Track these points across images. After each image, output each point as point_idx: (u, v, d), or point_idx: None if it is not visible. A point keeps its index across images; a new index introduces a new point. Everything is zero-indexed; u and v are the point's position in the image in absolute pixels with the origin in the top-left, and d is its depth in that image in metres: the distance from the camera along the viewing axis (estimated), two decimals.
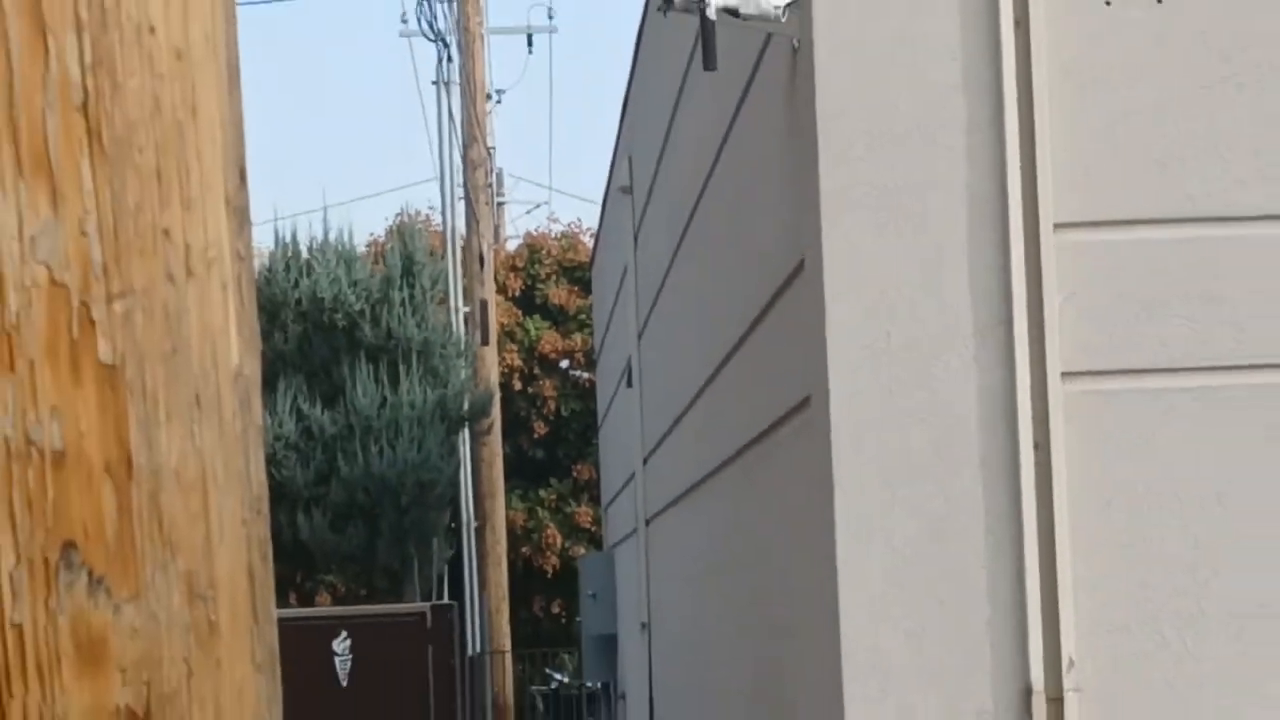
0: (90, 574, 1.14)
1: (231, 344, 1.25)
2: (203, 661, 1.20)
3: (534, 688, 30.59)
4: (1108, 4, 7.72)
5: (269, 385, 23.33)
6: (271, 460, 22.23)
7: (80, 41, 1.14)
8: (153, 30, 1.17)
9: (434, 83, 30.48)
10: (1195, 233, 7.62)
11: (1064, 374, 7.52)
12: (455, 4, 28.97)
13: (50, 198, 1.13)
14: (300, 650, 18.00)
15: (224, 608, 1.23)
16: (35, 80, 1.12)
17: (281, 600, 21.55)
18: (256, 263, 24.36)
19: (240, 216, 1.28)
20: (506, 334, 32.39)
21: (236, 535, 1.24)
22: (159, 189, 1.18)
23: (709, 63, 8.61)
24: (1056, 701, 7.45)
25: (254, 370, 1.29)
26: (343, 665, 20.90)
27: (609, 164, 20.26)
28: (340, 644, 20.88)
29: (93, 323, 1.15)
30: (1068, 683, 7.47)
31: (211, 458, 1.22)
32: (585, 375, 31.33)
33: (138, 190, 1.17)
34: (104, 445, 1.15)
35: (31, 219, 1.11)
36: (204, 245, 1.21)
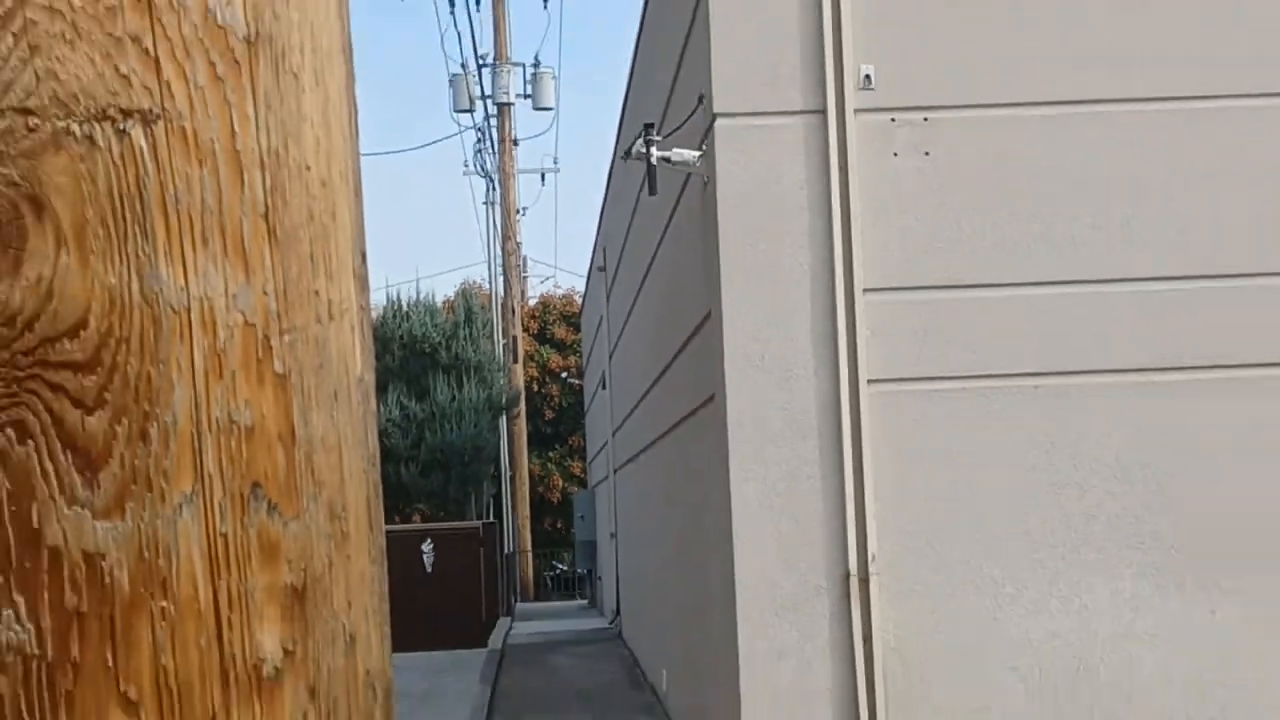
0: (269, 502, 1.26)
1: (357, 361, 1.39)
2: (338, 557, 1.32)
3: (546, 573, 41.45)
4: (895, 155, 9.69)
5: (382, 388, 33.71)
6: (383, 433, 30.27)
7: (264, 176, 1.27)
8: (308, 168, 1.32)
9: (484, 203, 40.81)
10: (947, 295, 9.69)
11: (869, 380, 9.66)
12: (497, 155, 38.14)
13: (244, 271, 1.25)
14: (401, 551, 24.19)
15: (352, 523, 1.35)
16: (236, 199, 1.25)
17: (389, 520, 25.46)
18: (374, 312, 29.99)
19: (362, 282, 1.43)
20: (529, 357, 41.47)
21: (359, 478, 1.37)
22: (311, 266, 1.31)
23: (652, 190, 10.85)
24: (864, 580, 9.45)
25: (370, 378, 1.43)
26: (427, 559, 25.95)
27: (591, 252, 26.82)
28: (426, 546, 26.08)
29: (270, 348, 1.27)
30: (872, 569, 9.48)
31: (344, 431, 1.35)
32: (577, 381, 39.59)
33: (298, 267, 1.29)
34: (277, 423, 1.27)
35: (234, 284, 1.24)
36: (340, 300, 1.35)
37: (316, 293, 1.31)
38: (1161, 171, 9.65)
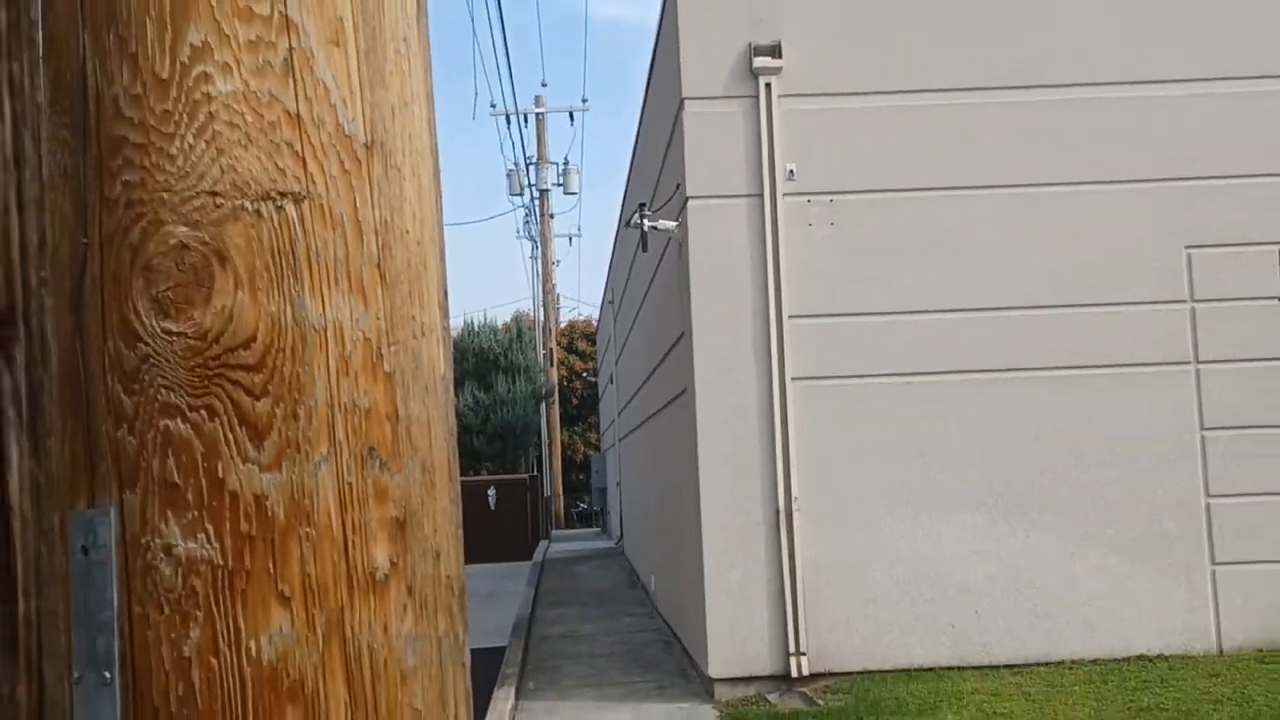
0: (380, 461, 1.24)
1: (440, 364, 1.36)
2: (427, 499, 1.30)
3: (572, 510, 40.54)
4: (810, 225, 9.66)
5: (460, 384, 32.92)
6: (460, 415, 30.61)
7: (376, 238, 1.26)
8: (407, 232, 1.30)
9: (531, 258, 41.27)
10: (845, 320, 9.69)
11: (792, 378, 9.63)
12: (539, 225, 38.24)
13: (364, 303, 1.24)
14: (474, 495, 24.79)
15: (437, 475, 1.32)
16: (358, 254, 1.24)
17: (465, 474, 29.38)
18: (454, 331, 31.77)
19: (444, 310, 1.40)
20: (560, 362, 41.19)
21: (443, 444, 1.35)
22: (409, 300, 1.29)
23: (644, 248, 11.21)
24: (789, 515, 9.42)
25: (450, 376, 1.40)
26: (491, 500, 25.86)
27: (603, 290, 27.04)
28: (490, 492, 26.02)
29: (381, 355, 1.25)
30: (795, 508, 9.46)
31: (432, 412, 1.32)
32: (593, 379, 39.59)
33: (400, 300, 1.28)
34: (386, 407, 1.25)
35: (356, 311, 1.23)
36: (428, 323, 1.33)
37: (413, 317, 1.30)
38: (992, 238, 9.69)
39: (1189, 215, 9.71)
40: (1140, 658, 9.31)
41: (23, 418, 0.62)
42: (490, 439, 31.85)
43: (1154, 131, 9.76)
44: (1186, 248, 9.71)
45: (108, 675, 1.17)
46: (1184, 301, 9.70)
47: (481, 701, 9.40)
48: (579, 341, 43.51)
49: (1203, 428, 9.62)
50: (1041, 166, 9.73)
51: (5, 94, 0.64)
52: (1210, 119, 9.77)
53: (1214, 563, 9.51)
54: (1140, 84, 9.78)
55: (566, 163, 37.55)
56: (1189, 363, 9.66)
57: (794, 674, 9.18)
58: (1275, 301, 9.69)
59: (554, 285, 39.03)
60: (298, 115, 1.24)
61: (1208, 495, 9.57)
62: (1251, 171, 9.71)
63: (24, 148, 0.66)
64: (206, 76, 1.21)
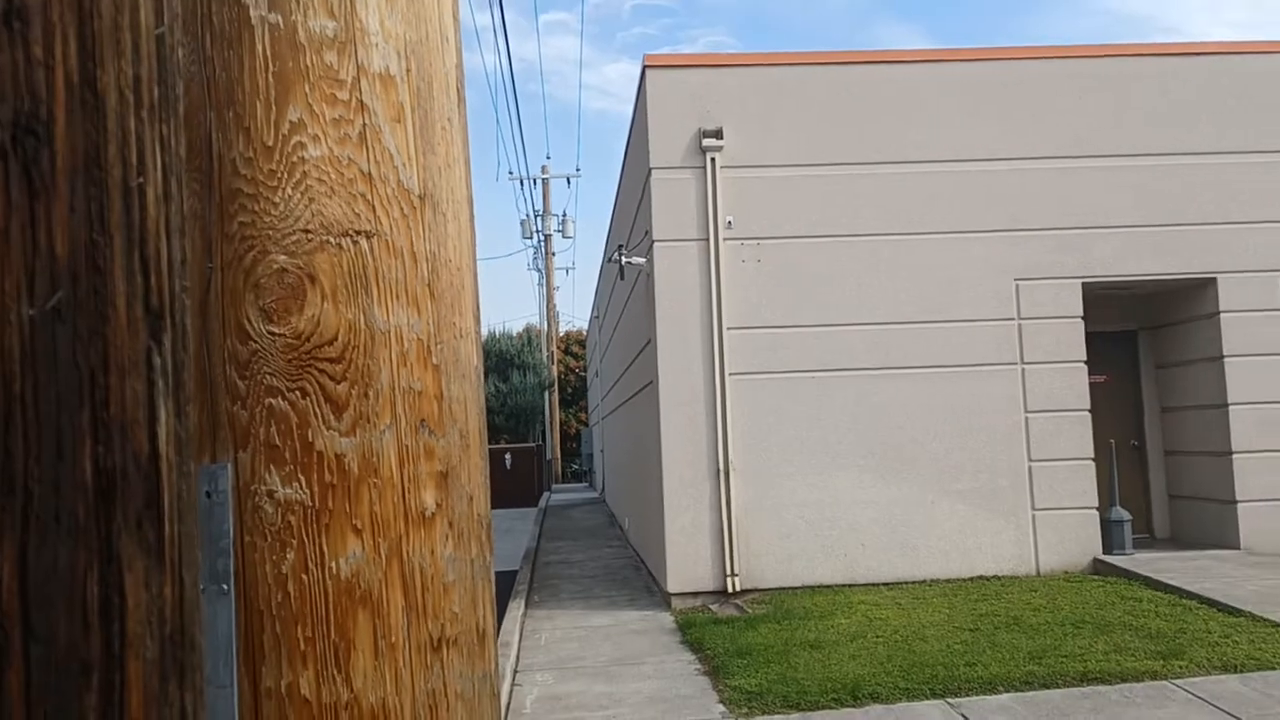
0: (429, 429, 1.21)
1: (474, 358, 1.32)
2: (464, 457, 1.26)
3: (569, 469, 39.32)
4: (743, 262, 9.61)
5: (485, 375, 29.12)
6: (487, 399, 28.87)
7: (428, 265, 1.24)
8: (449, 260, 1.27)
9: (538, 284, 39.29)
10: (767, 330, 9.61)
11: (730, 373, 9.49)
12: (544, 259, 37.23)
13: (417, 313, 1.21)
14: (495, 459, 24.35)
15: (472, 440, 1.28)
16: (413, 276, 1.20)
17: (491, 443, 29.89)
18: (482, 336, 31.78)
19: (477, 319, 1.35)
20: (559, 362, 40.02)
21: (476, 418, 1.30)
22: (451, 310, 1.26)
23: (622, 277, 11.17)
24: (727, 473, 9.32)
25: (481, 367, 1.35)
26: (508, 463, 25.15)
27: (591, 307, 26.68)
28: (507, 456, 25.29)
29: (430, 351, 1.22)
30: (731, 467, 9.35)
31: (467, 394, 1.28)
32: (583, 374, 38.54)
33: (445, 311, 1.25)
34: (434, 390, 1.21)
35: (412, 319, 1.20)
36: (465, 328, 1.28)
37: (454, 324, 1.29)
38: (875, 271, 9.71)
39: (1017, 256, 9.79)
40: (980, 578, 9.36)
41: (169, 387, 0.63)
42: (507, 418, 31.62)
43: (990, 195, 9.83)
44: (1015, 279, 9.78)
45: (225, 587, 1.16)
46: (1013, 319, 9.76)
47: (500, 611, 9.37)
48: (573, 346, 43.25)
49: (1026, 411, 9.69)
50: (910, 220, 9.79)
51: (159, 148, 0.64)
52: (1029, 186, 9.87)
53: (1034, 509, 9.59)
54: (981, 160, 9.86)
55: (564, 215, 37.35)
56: (1016, 364, 9.72)
57: (729, 590, 9.18)
58: (1077, 320, 9.80)
59: (555, 305, 38.92)
60: (369, 174, 1.23)
61: (1030, 460, 9.64)
62: (1059, 225, 9.82)
63: (171, 189, 0.66)
64: (301, 145, 1.21)
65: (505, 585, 10.91)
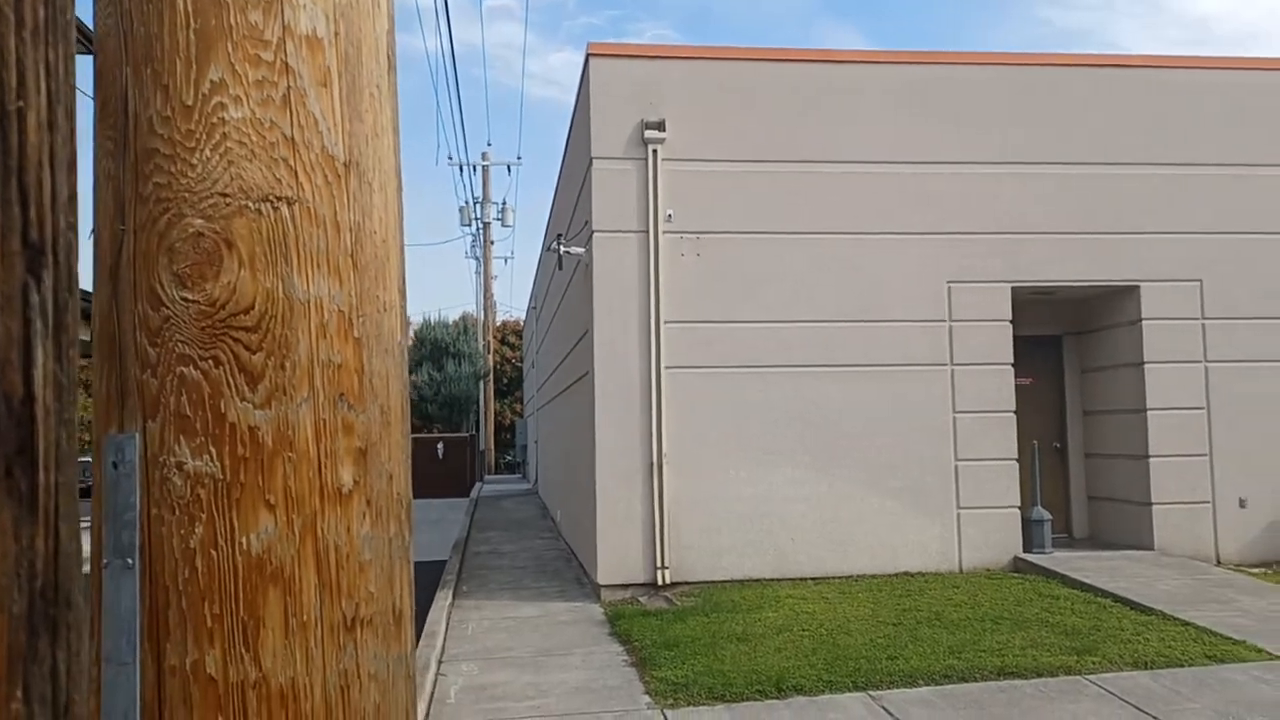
0: (348, 403, 1.18)
1: (398, 332, 1.29)
2: (384, 433, 1.23)
3: (502, 460, 38.65)
4: (682, 255, 9.61)
5: (419, 365, 31.03)
6: (420, 388, 30.16)
7: (351, 235, 1.19)
8: (374, 232, 1.23)
9: (476, 274, 39.50)
10: (704, 325, 9.63)
11: (666, 366, 9.48)
12: (482, 247, 36.66)
13: (339, 283, 1.18)
14: (427, 448, 24.25)
15: (393, 416, 1.25)
16: (336, 245, 1.18)
17: (426, 432, 28.32)
18: (416, 323, 31.58)
19: (402, 292, 1.32)
20: (496, 351, 39.53)
21: (398, 393, 1.27)
22: (375, 283, 1.23)
23: (560, 267, 11.05)
24: (660, 465, 9.33)
25: (405, 343, 1.32)
26: (440, 451, 24.74)
27: (529, 297, 25.72)
28: (439, 445, 24.87)
29: (352, 323, 1.20)
30: (664, 460, 9.40)
31: (390, 369, 1.25)
32: (520, 365, 38.59)
33: (368, 283, 1.22)
34: (355, 364, 1.18)
35: (334, 289, 1.17)
36: (389, 301, 1.25)
37: (377, 297, 1.27)
38: (813, 270, 9.80)
39: (950, 259, 9.96)
40: (906, 574, 9.51)
41: (48, 327, 0.60)
42: (441, 406, 31.09)
43: (926, 198, 9.99)
44: (948, 282, 9.95)
45: (130, 561, 1.13)
46: (944, 321, 9.93)
47: (427, 600, 9.27)
48: (510, 336, 42.91)
49: (955, 411, 9.87)
50: (849, 219, 9.89)
51: (44, 74, 0.61)
52: (963, 190, 10.04)
53: (959, 507, 9.77)
54: (918, 163, 10.00)
55: (504, 203, 37.22)
56: (947, 365, 9.89)
57: (659, 583, 9.20)
58: (1005, 323, 10.00)
59: (492, 294, 38.61)
60: (292, 139, 1.20)
61: (957, 459, 9.82)
62: (990, 230, 10.01)
63: (57, 118, 0.62)
64: (222, 105, 1.17)
65: (433, 575, 10.80)
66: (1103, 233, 10.12)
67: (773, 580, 9.38)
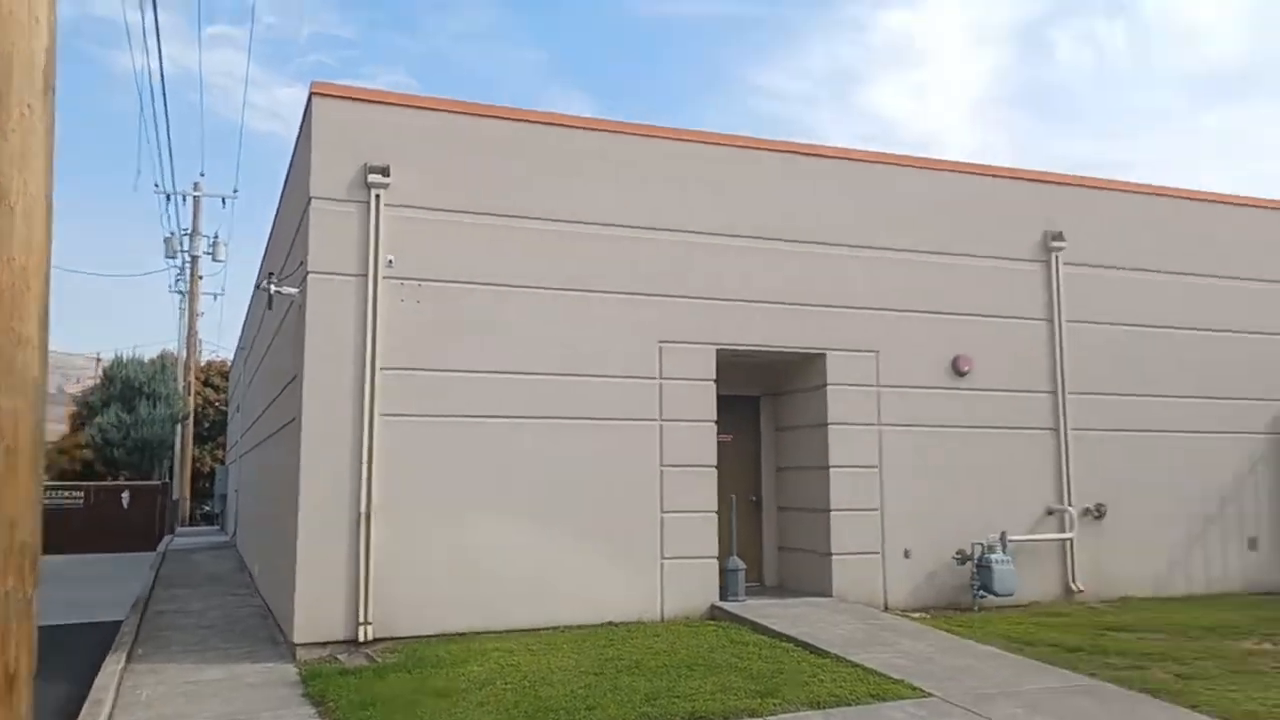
0: None
1: (35, 369, 1.00)
2: (9, 477, 0.94)
3: (198, 510, 34.74)
4: (401, 301, 9.41)
5: (107, 405, 27.78)
6: (105, 431, 26.91)
7: None
8: (14, 259, 1.08)
9: (180, 308, 35.99)
10: (422, 373, 9.43)
11: (380, 414, 9.23)
12: (188, 281, 33.83)
13: None
14: (112, 496, 22.43)
15: (21, 458, 0.98)
16: None
17: (104, 479, 26.01)
18: (105, 360, 29.06)
19: (44, 325, 1.16)
20: (198, 393, 35.76)
21: (30, 433, 0.99)
22: (9, 315, 0.95)
23: (270, 306, 10.66)
24: (368, 517, 9.03)
25: (45, 380, 1.13)
26: (125, 501, 22.57)
27: (239, 337, 24.39)
28: (124, 494, 22.70)
29: None
30: (373, 511, 9.01)
31: (21, 407, 0.97)
32: (224, 408, 35.36)
33: (3, 315, 0.93)
34: None
35: None
36: (29, 335, 1.07)
37: (12, 329, 1.17)
38: (530, 324, 9.91)
39: (662, 320, 10.42)
40: (610, 624, 9.66)
41: None
42: (130, 451, 27.79)
43: (641, 261, 10.43)
44: (660, 342, 10.39)
45: None
46: (655, 379, 10.34)
47: (95, 665, 8.33)
48: (215, 378, 39.63)
49: (662, 464, 10.25)
50: (571, 276, 10.11)
51: None
52: (674, 256, 10.58)
53: (663, 557, 10.11)
54: (635, 228, 10.44)
55: (216, 237, 34.63)
56: (655, 420, 10.29)
57: (361, 639, 8.83)
58: (710, 382, 10.57)
59: (197, 332, 35.66)
60: None
61: (662, 511, 10.18)
62: (698, 295, 10.61)
63: None
64: None
65: (106, 636, 9.72)
66: (796, 304, 10.97)
67: (481, 633, 9.25)
